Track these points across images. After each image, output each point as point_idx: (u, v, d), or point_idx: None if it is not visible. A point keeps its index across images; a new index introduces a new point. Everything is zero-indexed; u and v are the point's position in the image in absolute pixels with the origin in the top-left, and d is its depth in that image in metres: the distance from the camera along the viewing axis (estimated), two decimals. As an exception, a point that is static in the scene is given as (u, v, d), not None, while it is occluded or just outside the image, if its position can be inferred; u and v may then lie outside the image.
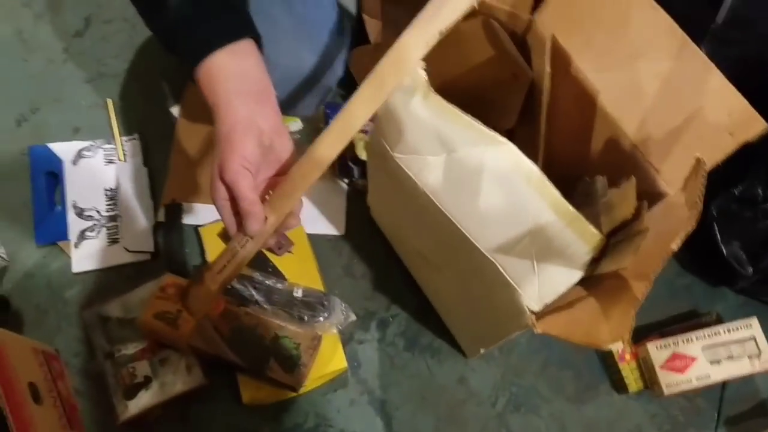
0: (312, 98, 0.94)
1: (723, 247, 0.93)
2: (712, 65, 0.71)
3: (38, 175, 1.02)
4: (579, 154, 0.77)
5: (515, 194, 0.62)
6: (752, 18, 0.90)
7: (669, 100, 0.73)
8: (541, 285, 0.63)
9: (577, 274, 0.61)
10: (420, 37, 0.61)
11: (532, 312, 0.64)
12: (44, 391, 0.81)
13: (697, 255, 0.99)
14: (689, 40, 0.71)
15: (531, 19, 0.82)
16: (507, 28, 0.84)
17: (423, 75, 0.63)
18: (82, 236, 0.99)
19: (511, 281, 0.64)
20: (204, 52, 0.59)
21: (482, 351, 0.85)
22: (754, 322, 0.91)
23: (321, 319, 0.91)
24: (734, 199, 0.92)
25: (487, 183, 0.63)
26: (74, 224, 1.00)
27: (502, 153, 0.61)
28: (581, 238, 0.59)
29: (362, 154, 0.94)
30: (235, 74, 0.60)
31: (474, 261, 0.67)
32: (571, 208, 0.59)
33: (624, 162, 0.73)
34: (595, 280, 0.62)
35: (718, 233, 0.92)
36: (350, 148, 0.96)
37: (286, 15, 0.78)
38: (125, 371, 0.89)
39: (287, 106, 0.88)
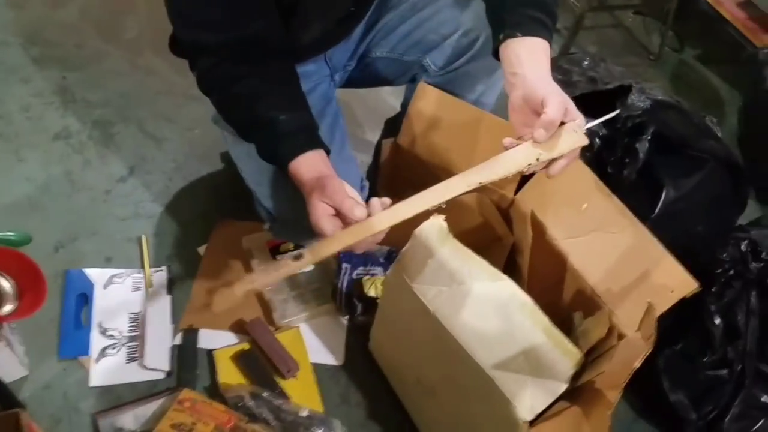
0: None
1: (670, 396, 1.09)
2: (655, 239, 0.93)
3: (70, 296, 1.13)
4: (553, 299, 0.95)
5: (512, 320, 0.79)
6: (679, 215, 1.16)
7: (622, 263, 0.94)
8: (533, 397, 0.77)
9: (562, 386, 0.76)
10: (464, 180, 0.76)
11: (525, 422, 0.77)
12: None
13: (649, 403, 1.15)
14: (636, 220, 0.94)
15: (514, 199, 1.06)
16: (495, 204, 1.07)
17: (444, 223, 0.82)
18: (102, 353, 1.08)
19: (506, 394, 0.78)
20: (295, 155, 0.84)
21: (470, 474, 0.95)
22: (701, 465, 1.05)
23: (323, 439, 1.00)
24: (677, 354, 1.10)
25: (489, 310, 0.80)
26: (97, 342, 1.09)
27: (502, 286, 0.80)
28: (566, 356, 0.75)
29: (370, 292, 1.11)
30: (310, 166, 0.84)
31: (474, 378, 0.82)
32: (557, 331, 0.76)
33: (589, 308, 0.92)
34: (575, 393, 0.77)
35: (665, 382, 1.09)
36: (359, 287, 1.13)
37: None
38: (132, 481, 0.95)
39: None
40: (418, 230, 0.85)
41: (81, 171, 1.32)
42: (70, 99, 1.43)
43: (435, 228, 0.84)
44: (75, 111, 1.41)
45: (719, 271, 1.08)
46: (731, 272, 1.07)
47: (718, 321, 1.06)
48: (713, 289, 1.07)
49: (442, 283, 0.83)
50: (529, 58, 0.79)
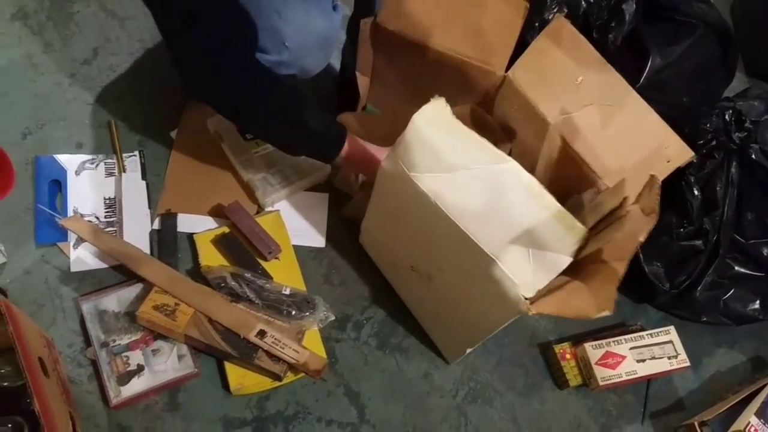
0: (319, 53, 1.07)
1: (645, 267, 1.10)
2: (651, 109, 0.89)
3: (43, 182, 1.11)
4: (555, 180, 0.93)
5: (515, 201, 0.75)
6: (665, 85, 1.13)
7: (618, 135, 0.91)
8: (535, 273, 0.75)
9: (566, 260, 0.74)
10: None
11: (527, 298, 0.75)
12: (49, 368, 0.88)
13: (625, 275, 1.17)
14: (632, 90, 0.90)
15: (506, 76, 1.01)
16: (482, 85, 1.02)
17: (447, 105, 0.78)
18: (81, 238, 1.07)
19: (508, 273, 0.76)
20: (340, 148, 1.00)
21: (468, 351, 0.97)
22: (672, 329, 1.09)
23: (306, 314, 1.02)
24: (654, 226, 1.10)
25: (492, 193, 0.77)
26: (74, 228, 1.08)
27: (506, 168, 0.76)
28: (570, 231, 0.73)
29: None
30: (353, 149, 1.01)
31: (474, 261, 0.79)
32: (562, 208, 0.73)
33: (587, 186, 0.90)
34: (578, 268, 0.75)
35: (641, 255, 1.10)
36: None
37: None
38: (119, 360, 0.97)
39: (300, 58, 1.04)
40: (416, 115, 0.78)
41: (43, 54, 1.25)
42: (23, -24, 1.34)
43: (436, 111, 0.78)
44: (30, -11, 1.32)
45: (701, 141, 1.06)
46: (713, 143, 1.06)
47: (697, 192, 1.06)
48: (694, 160, 1.05)
49: (443, 169, 0.79)
50: None
